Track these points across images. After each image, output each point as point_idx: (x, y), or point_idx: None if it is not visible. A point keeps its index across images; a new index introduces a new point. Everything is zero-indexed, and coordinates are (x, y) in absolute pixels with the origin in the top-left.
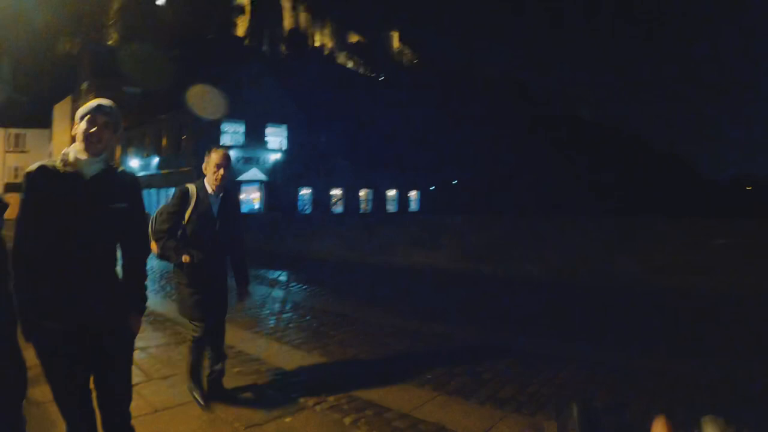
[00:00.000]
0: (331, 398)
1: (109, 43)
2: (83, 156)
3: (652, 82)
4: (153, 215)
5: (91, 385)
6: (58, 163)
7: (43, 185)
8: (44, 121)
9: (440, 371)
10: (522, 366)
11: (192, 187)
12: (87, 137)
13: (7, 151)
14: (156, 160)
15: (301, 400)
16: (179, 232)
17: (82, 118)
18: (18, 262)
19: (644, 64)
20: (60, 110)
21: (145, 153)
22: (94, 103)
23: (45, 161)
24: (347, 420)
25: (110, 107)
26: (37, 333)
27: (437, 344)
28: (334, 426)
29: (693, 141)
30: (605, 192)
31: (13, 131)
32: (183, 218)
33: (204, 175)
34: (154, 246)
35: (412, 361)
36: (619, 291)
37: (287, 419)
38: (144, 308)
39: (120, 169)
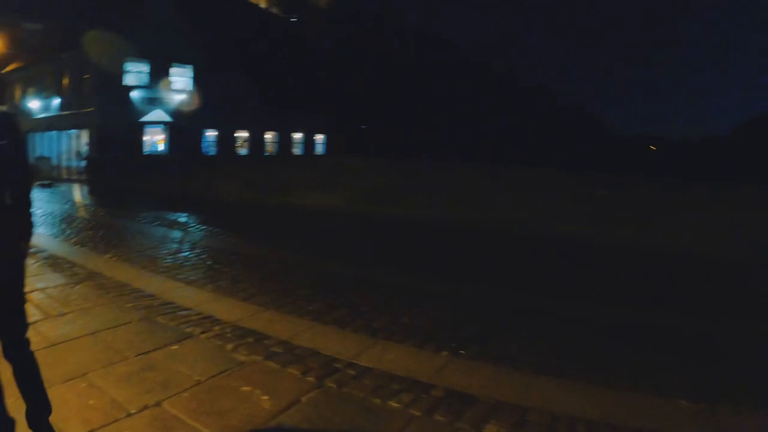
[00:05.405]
0: (216, 328)
1: None
2: None
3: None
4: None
5: None
6: None
7: None
8: None
9: (321, 304)
10: (396, 301)
11: None
12: None
13: None
14: (57, 101)
15: (189, 329)
16: None
17: None
18: None
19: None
20: None
21: (45, 94)
22: None
23: None
24: (229, 346)
25: None
26: None
27: (320, 279)
28: (216, 351)
29: (603, 97)
30: (504, 139)
31: None
32: None
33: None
34: None
35: (295, 294)
36: (508, 236)
37: (174, 347)
38: (31, 233)
39: None
